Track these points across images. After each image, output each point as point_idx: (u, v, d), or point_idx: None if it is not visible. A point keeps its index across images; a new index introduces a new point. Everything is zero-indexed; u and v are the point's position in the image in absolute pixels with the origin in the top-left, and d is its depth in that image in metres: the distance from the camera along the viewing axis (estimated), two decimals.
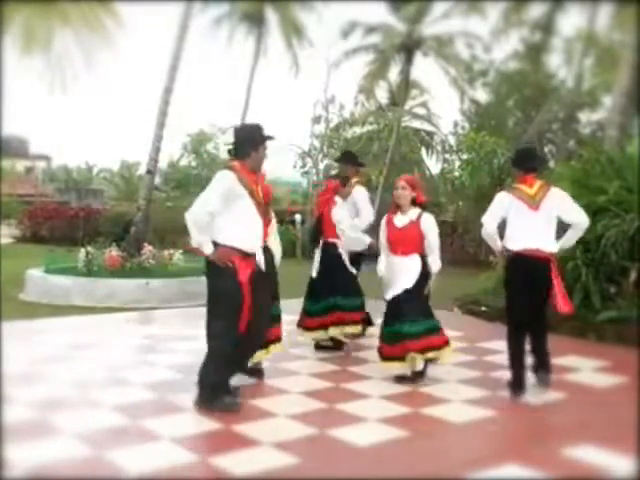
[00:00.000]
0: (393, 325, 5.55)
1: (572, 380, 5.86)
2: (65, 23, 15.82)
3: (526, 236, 5.31)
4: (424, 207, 5.78)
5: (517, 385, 5.34)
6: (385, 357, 5.68)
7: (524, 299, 5.36)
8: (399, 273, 5.60)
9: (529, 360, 5.47)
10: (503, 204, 5.45)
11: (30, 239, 23.69)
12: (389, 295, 5.65)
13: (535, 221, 5.33)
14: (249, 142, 4.93)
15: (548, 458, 4.07)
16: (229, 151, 5.08)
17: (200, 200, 4.73)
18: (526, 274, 5.32)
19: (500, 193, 5.63)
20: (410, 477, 3.84)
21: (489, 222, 5.41)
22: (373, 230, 6.57)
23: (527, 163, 5.56)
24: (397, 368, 5.63)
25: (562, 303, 5.36)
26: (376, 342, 6.79)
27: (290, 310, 6.61)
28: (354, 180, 7.01)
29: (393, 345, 5.56)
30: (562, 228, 5.52)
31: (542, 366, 5.47)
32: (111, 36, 15.67)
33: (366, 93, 25.88)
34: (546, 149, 22.15)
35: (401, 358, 5.55)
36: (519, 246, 5.33)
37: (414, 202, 5.72)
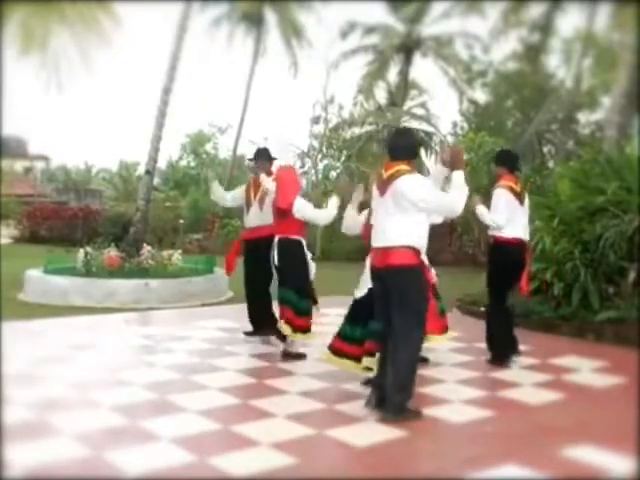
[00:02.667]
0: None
1: (571, 380, 5.87)
2: (62, 22, 15.79)
3: (516, 226, 6.24)
4: None
5: (500, 359, 6.25)
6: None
7: (507, 281, 6.33)
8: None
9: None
10: (506, 199, 6.23)
11: (29, 239, 23.66)
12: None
13: (521, 214, 6.31)
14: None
15: (547, 458, 4.07)
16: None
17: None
18: (513, 258, 6.26)
19: (499, 190, 6.28)
20: (409, 477, 3.84)
21: (501, 219, 6.17)
22: None
23: (514, 163, 6.50)
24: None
25: (524, 284, 6.34)
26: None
27: None
28: (272, 177, 6.93)
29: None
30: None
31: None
32: (108, 36, 15.64)
33: (365, 93, 25.86)
34: (545, 149, 22.17)
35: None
36: (510, 234, 6.22)
37: None
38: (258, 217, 7.06)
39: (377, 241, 4.82)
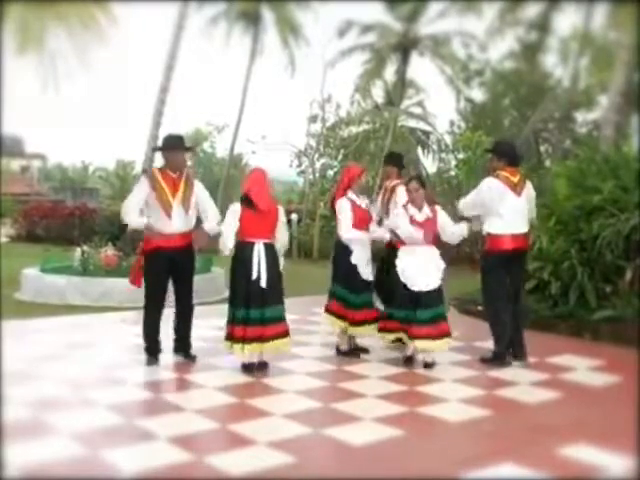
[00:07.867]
0: None
1: (568, 379, 5.87)
2: (59, 21, 15.78)
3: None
4: (245, 200, 5.81)
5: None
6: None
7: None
8: None
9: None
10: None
11: (25, 238, 23.59)
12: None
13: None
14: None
15: (544, 457, 4.08)
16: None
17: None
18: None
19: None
20: (406, 476, 3.84)
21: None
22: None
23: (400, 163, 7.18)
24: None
25: None
26: (372, 343, 6.79)
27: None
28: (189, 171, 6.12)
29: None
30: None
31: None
32: (105, 34, 15.63)
33: (362, 92, 25.84)
34: (542, 148, 22.18)
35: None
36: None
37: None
38: (184, 221, 5.98)
39: (521, 228, 6.15)
